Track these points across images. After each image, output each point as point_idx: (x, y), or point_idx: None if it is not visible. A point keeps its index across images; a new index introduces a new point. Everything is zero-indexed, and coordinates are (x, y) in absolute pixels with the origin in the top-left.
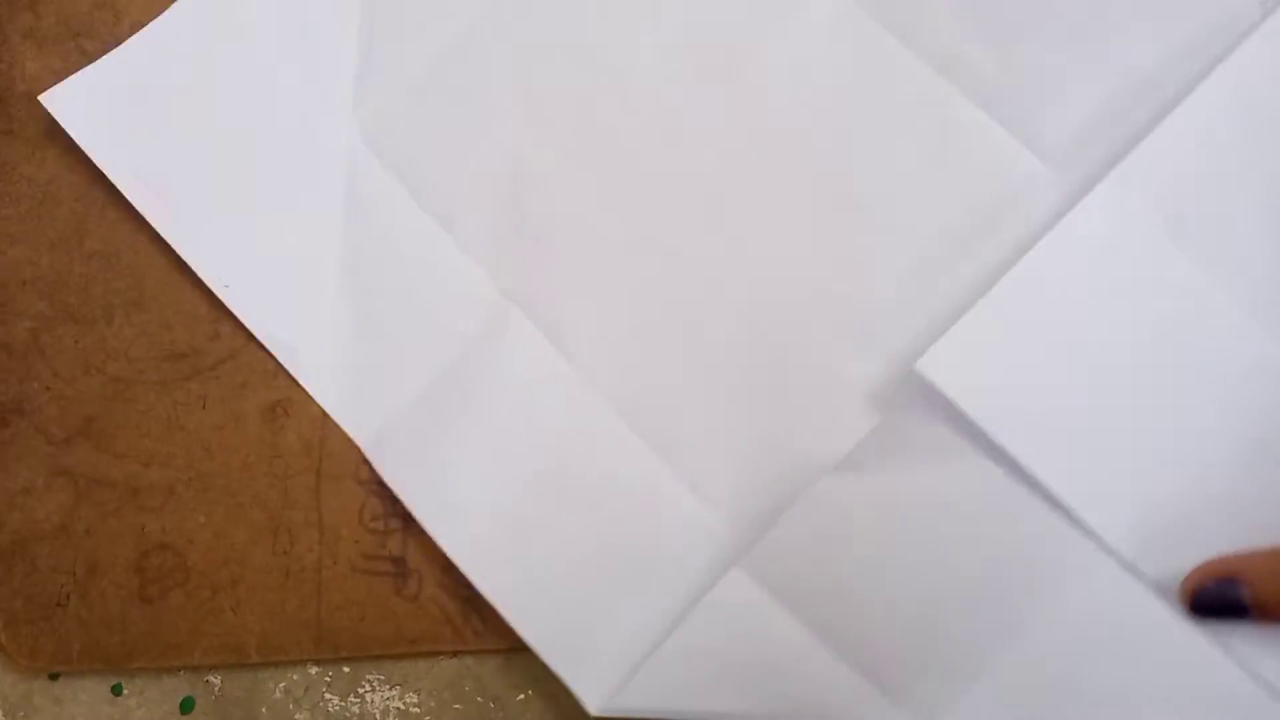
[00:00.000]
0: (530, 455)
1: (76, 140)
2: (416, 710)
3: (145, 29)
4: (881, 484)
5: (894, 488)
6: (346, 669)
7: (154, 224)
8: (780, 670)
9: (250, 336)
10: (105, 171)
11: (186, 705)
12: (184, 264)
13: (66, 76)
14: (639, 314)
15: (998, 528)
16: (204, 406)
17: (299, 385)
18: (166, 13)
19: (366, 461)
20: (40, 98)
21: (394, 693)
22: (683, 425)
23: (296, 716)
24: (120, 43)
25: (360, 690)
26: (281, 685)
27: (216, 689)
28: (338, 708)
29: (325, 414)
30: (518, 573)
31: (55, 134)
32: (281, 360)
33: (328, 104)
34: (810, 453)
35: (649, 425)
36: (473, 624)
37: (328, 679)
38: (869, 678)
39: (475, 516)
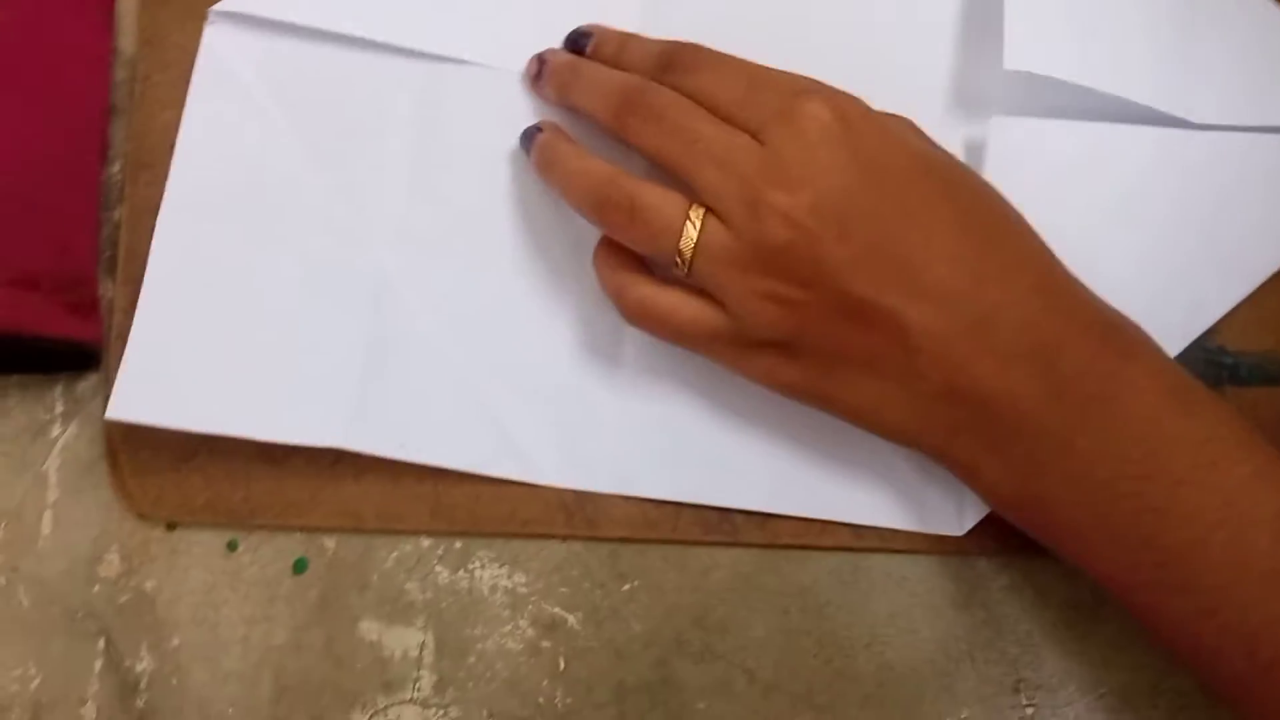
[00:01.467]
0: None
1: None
2: (524, 590)
3: None
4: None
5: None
6: (459, 544)
7: None
8: None
9: None
10: None
11: (300, 565)
12: None
13: None
14: None
15: None
16: None
17: None
18: None
19: None
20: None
21: (502, 570)
22: None
23: (406, 585)
24: None
25: (470, 566)
26: (394, 555)
27: (330, 552)
28: (447, 580)
29: None
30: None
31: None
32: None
33: None
34: None
35: None
36: (586, 512)
37: (439, 552)
38: None
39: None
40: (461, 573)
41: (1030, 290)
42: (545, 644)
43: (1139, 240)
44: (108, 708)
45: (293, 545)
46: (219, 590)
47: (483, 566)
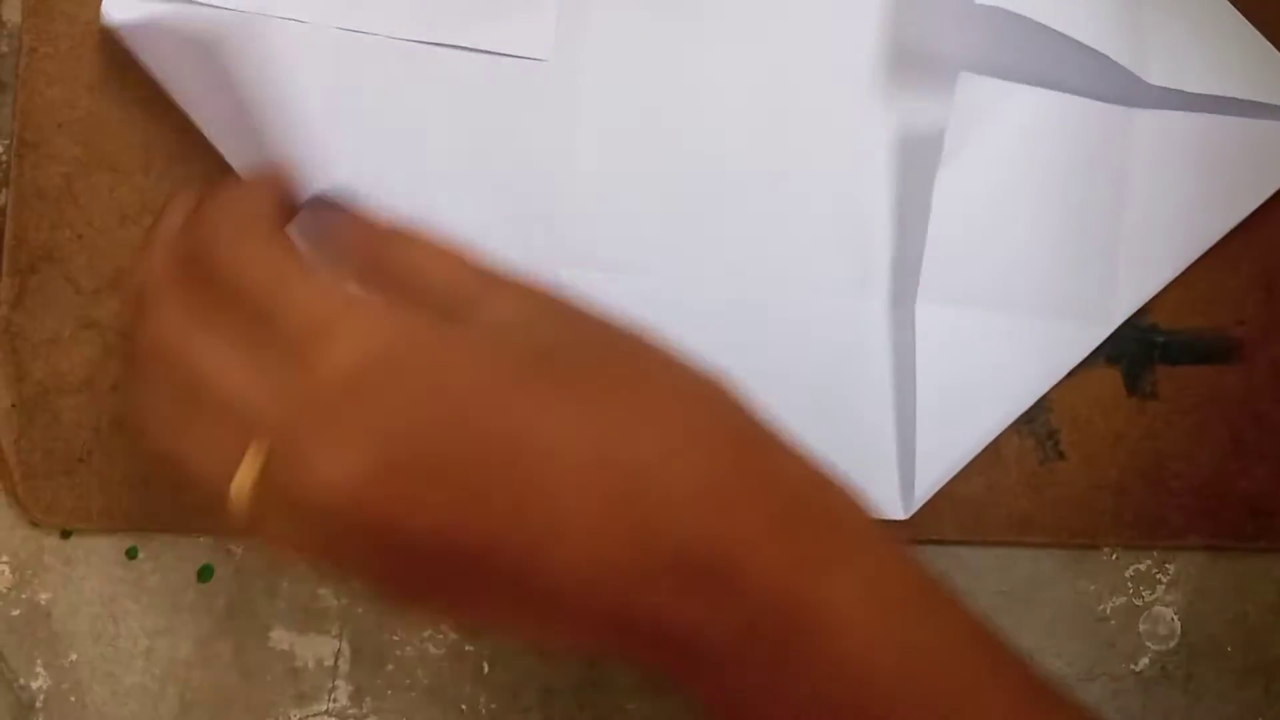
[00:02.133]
0: None
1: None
2: None
3: None
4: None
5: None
6: None
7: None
8: None
9: None
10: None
11: (205, 573)
12: None
13: None
14: None
15: None
16: None
17: None
18: None
19: None
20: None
21: None
22: None
23: (319, 591)
24: None
25: None
26: None
27: (237, 558)
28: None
29: None
30: None
31: None
32: None
33: None
34: None
35: None
36: None
37: None
38: None
39: None
40: None
41: (694, 489)
42: (468, 648)
43: (1081, 213)
44: None
45: (197, 552)
46: (119, 601)
47: None
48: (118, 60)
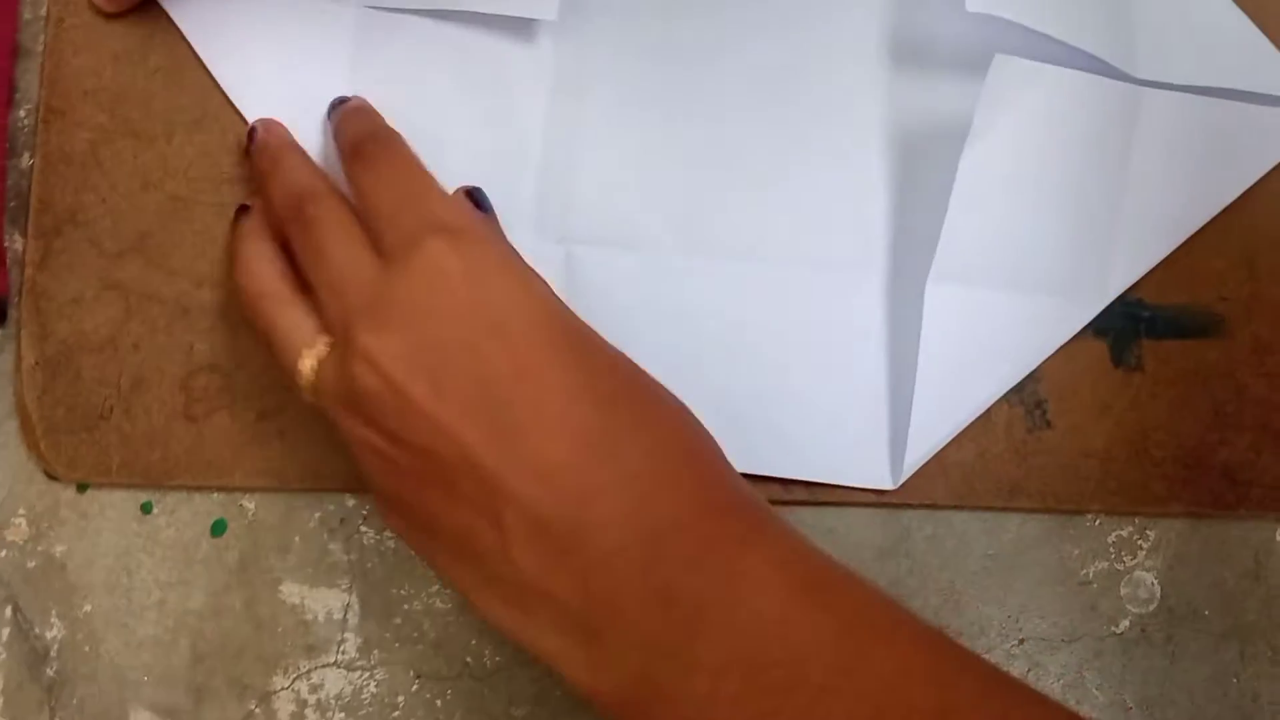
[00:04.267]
0: None
1: None
2: None
3: None
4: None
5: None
6: None
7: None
8: None
9: None
10: None
11: (218, 528)
12: None
13: None
14: None
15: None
16: None
17: None
18: None
19: None
20: None
21: None
22: None
23: (330, 546)
24: None
25: None
26: (317, 515)
27: (250, 514)
28: (373, 540)
29: None
30: None
31: None
32: None
33: None
34: None
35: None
36: None
37: (364, 512)
38: None
39: None
40: (388, 532)
41: (648, 468)
42: None
43: (1087, 191)
44: (16, 677)
45: (211, 507)
46: (133, 554)
47: None
48: (142, 31)
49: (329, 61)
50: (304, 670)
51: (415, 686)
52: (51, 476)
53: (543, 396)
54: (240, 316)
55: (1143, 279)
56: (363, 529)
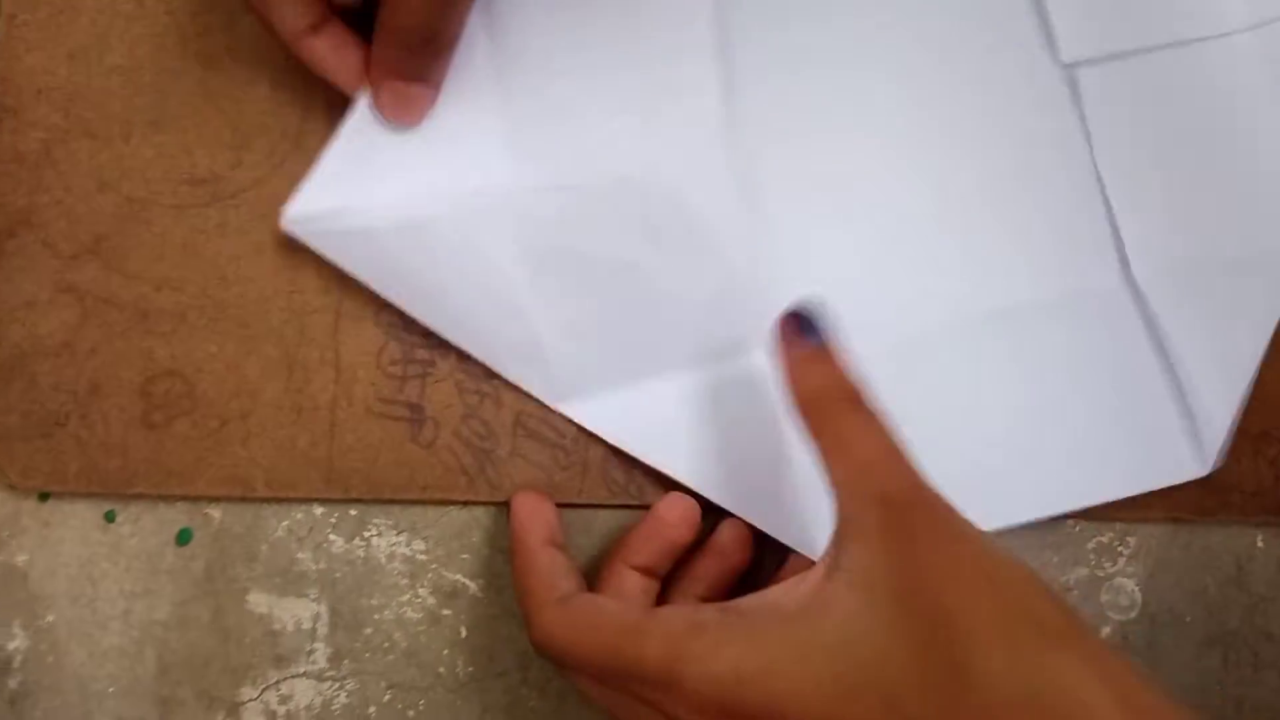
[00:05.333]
0: None
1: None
2: (423, 557)
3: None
4: None
5: None
6: (353, 511)
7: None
8: None
9: (275, 166)
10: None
11: (183, 537)
12: (209, 87)
13: None
14: None
15: None
16: (222, 235)
17: None
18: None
19: (389, 305)
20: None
21: (400, 538)
22: None
23: (299, 555)
24: None
25: (366, 534)
26: (284, 524)
27: (216, 522)
28: (341, 549)
29: None
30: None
31: None
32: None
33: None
34: None
35: None
36: (488, 476)
37: (333, 520)
38: None
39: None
40: (357, 541)
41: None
42: (445, 612)
43: (1242, 151)
44: None
45: (175, 516)
46: (96, 563)
47: (380, 534)
48: (98, 29)
49: (497, 253)
50: (273, 681)
51: (387, 697)
52: (9, 485)
53: None
54: (201, 321)
55: None
56: (332, 537)
